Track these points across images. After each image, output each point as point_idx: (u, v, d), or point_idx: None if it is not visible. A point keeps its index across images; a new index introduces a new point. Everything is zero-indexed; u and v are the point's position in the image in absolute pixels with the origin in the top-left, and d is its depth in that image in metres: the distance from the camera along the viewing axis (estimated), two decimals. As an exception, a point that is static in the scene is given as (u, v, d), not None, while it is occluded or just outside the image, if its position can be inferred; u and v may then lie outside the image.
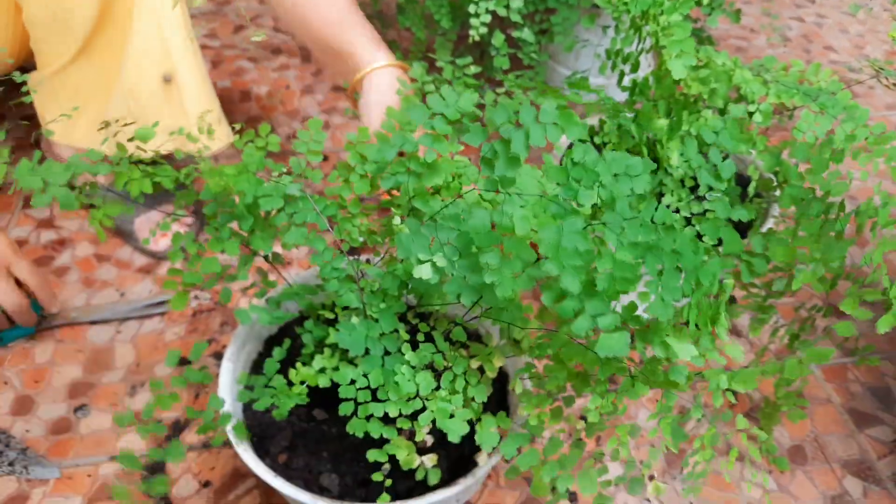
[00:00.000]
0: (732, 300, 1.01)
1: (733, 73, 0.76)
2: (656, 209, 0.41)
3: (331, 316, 0.63)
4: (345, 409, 0.56)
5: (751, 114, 0.74)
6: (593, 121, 0.93)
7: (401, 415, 0.55)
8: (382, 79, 0.85)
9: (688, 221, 0.85)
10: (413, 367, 0.56)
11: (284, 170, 0.58)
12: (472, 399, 0.57)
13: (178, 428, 0.81)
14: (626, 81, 0.85)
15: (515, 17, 0.99)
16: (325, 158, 1.18)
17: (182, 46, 0.88)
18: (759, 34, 1.52)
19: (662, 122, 0.79)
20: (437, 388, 0.56)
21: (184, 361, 0.88)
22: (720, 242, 0.54)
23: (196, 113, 0.91)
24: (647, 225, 0.40)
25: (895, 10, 1.53)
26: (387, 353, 0.57)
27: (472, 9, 0.95)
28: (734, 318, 0.93)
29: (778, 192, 0.71)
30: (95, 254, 1.01)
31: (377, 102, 0.85)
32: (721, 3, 1.04)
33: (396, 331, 0.58)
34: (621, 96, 1.02)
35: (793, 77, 0.78)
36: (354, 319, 0.57)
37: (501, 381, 0.70)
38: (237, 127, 0.67)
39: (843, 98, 0.72)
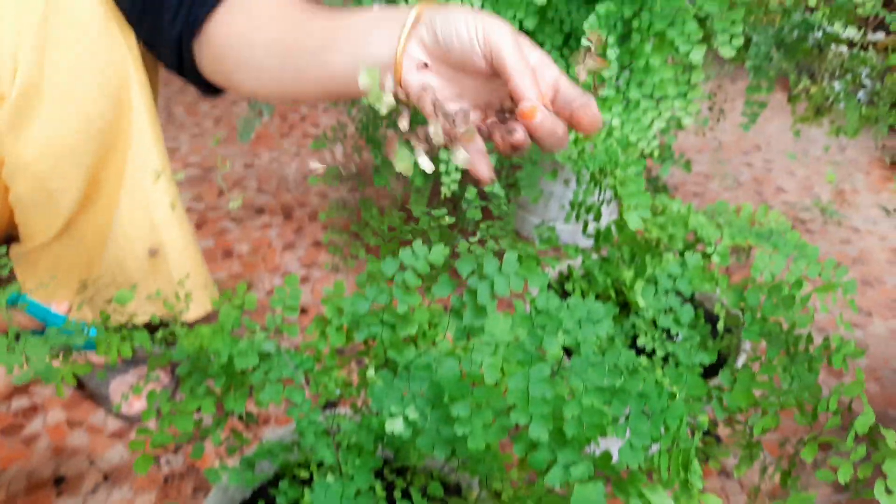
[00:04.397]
0: (718, 440, 0.99)
1: (688, 218, 0.81)
2: (620, 354, 0.42)
3: (306, 475, 0.61)
4: (319, 578, 0.53)
5: (709, 255, 0.78)
6: (562, 267, 0.97)
7: (379, 582, 0.52)
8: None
9: (665, 360, 0.86)
10: (391, 528, 0.54)
11: (258, 327, 0.59)
12: (454, 560, 0.54)
13: None
14: (591, 230, 0.90)
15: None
16: (304, 311, 1.20)
17: (168, 219, 0.87)
18: (713, 179, 1.63)
19: (629, 274, 0.83)
20: (417, 549, 0.54)
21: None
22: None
23: (182, 280, 0.91)
24: (612, 369, 0.41)
25: (830, 157, 1.66)
26: (363, 513, 0.54)
27: (442, 168, 1.02)
28: (723, 457, 0.91)
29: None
30: (68, 419, 0.99)
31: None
32: (671, 155, 1.13)
33: (372, 488, 0.56)
34: (587, 242, 1.07)
35: (744, 219, 0.84)
36: (329, 478, 0.55)
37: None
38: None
39: (793, 237, 0.77)
